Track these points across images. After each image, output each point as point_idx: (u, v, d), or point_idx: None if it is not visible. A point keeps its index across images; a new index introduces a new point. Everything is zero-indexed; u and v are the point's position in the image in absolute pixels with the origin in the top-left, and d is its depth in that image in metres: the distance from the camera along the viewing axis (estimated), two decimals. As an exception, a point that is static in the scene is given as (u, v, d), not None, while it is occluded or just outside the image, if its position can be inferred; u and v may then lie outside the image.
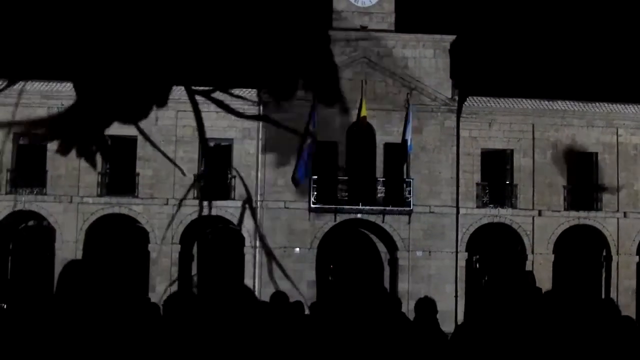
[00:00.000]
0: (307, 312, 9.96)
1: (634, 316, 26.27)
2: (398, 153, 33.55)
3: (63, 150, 2.58)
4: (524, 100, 35.42)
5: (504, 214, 34.77)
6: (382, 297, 9.41)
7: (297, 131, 3.36)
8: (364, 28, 34.70)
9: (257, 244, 33.08)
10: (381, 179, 33.76)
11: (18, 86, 2.88)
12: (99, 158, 2.65)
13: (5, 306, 31.92)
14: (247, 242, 33.49)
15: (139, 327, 5.63)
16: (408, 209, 33.31)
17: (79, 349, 4.24)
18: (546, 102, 35.44)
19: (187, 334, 5.53)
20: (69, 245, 32.77)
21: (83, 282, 4.41)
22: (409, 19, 35.34)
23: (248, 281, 33.06)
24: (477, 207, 34.66)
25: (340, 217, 33.17)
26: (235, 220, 33.69)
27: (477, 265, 36.44)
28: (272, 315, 8.03)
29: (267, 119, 3.72)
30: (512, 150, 35.36)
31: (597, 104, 35.69)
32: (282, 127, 2.97)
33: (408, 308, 10.34)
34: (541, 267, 33.60)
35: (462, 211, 34.37)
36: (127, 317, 5.11)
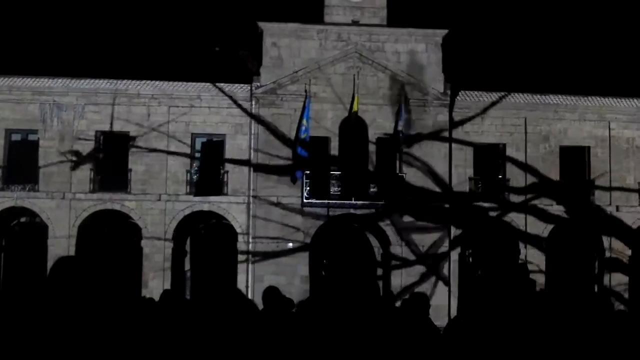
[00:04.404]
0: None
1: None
2: (390, 147, 33.49)
3: None
4: (516, 94, 35.38)
5: (495, 208, 34.73)
6: (375, 293, 9.40)
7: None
8: (355, 22, 34.66)
9: (250, 239, 33.07)
10: (374, 174, 33.69)
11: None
12: None
13: None
14: (240, 238, 33.45)
15: (132, 324, 5.60)
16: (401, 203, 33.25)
17: (72, 345, 4.21)
18: (538, 96, 35.42)
19: (179, 334, 5.51)
20: (61, 242, 32.67)
21: (76, 279, 4.38)
22: (401, 13, 35.28)
23: (241, 276, 33.05)
24: (468, 201, 34.59)
25: (333, 212, 33.12)
26: (228, 216, 33.64)
27: (470, 259, 36.44)
28: (264, 316, 8.01)
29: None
30: (504, 145, 35.36)
31: (589, 97, 35.70)
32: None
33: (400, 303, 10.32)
34: (535, 260, 33.65)
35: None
36: (120, 314, 5.08)
